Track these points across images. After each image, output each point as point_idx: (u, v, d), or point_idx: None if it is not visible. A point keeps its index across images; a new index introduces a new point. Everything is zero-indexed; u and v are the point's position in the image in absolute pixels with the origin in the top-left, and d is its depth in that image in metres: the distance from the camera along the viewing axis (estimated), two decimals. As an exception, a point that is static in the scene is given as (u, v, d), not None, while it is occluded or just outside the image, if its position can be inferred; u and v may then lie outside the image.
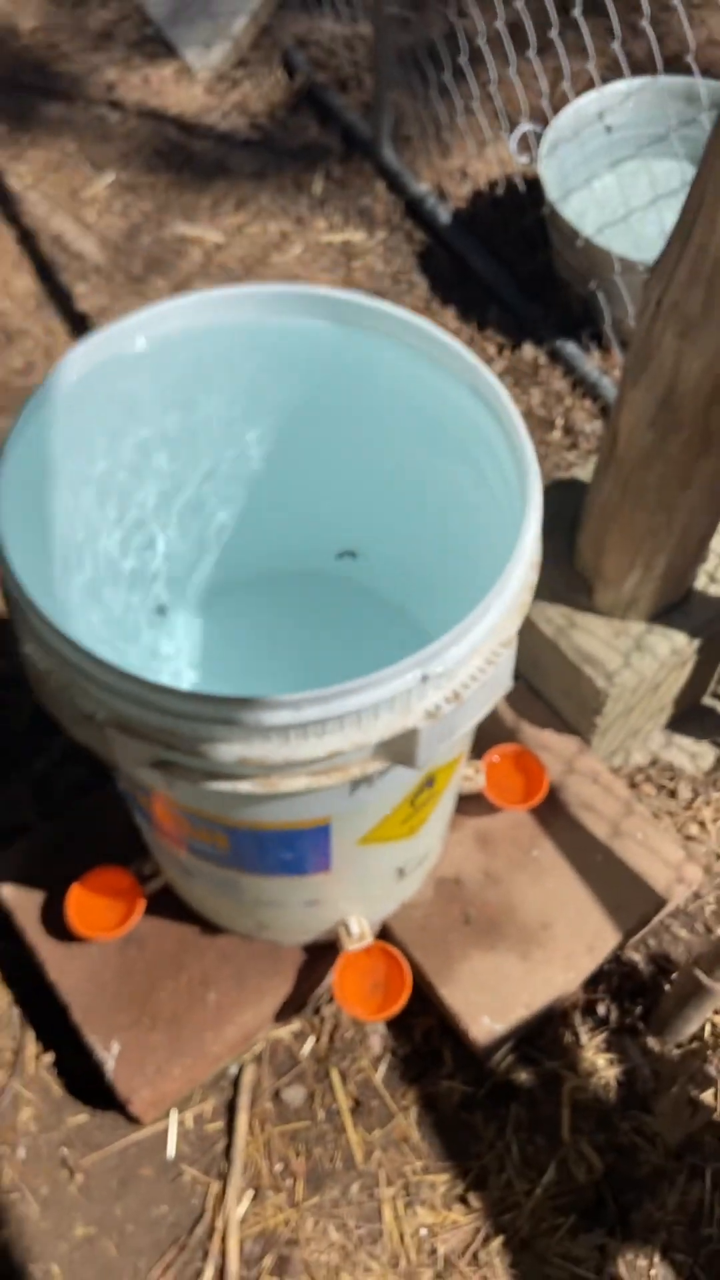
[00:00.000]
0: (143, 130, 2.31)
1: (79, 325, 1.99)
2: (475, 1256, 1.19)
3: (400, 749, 0.82)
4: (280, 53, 2.43)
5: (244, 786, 0.82)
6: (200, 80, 2.39)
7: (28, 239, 2.11)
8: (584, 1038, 1.29)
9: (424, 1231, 1.20)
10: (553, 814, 1.35)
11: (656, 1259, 1.18)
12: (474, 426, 0.97)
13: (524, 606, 0.85)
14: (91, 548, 1.08)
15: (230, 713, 0.75)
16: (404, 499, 1.15)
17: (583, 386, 1.95)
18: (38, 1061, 1.29)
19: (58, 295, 2.03)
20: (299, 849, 0.98)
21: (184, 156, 2.26)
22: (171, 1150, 1.24)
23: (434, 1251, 1.19)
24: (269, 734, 0.77)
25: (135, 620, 1.20)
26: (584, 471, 1.56)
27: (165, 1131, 1.25)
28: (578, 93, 1.98)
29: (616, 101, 1.95)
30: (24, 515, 0.90)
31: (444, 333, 0.94)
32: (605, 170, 2.03)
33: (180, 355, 1.00)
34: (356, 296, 0.97)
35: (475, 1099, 1.26)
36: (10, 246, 2.10)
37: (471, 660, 0.82)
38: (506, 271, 2.07)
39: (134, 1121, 1.24)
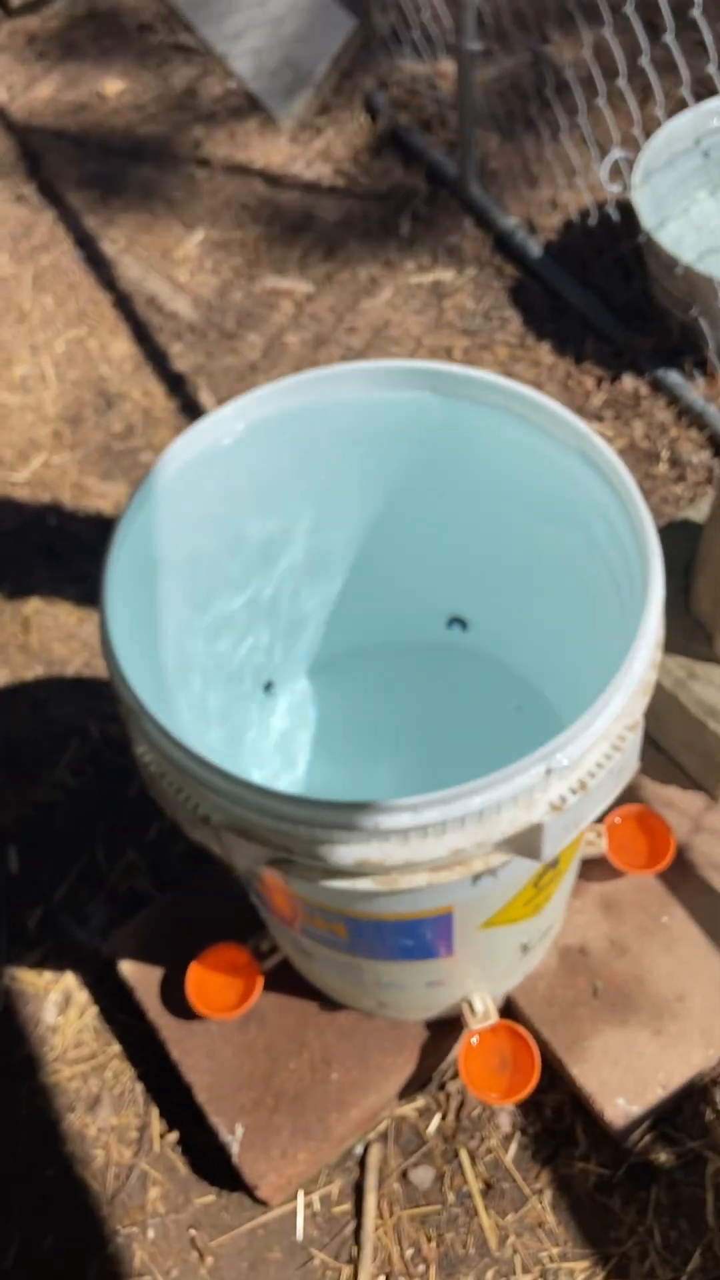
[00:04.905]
0: (230, 186, 2.33)
1: (175, 385, 2.01)
2: None
3: (524, 842, 0.78)
4: (362, 96, 2.44)
5: (363, 884, 0.80)
6: (284, 130, 2.41)
7: (123, 302, 2.15)
8: (726, 1116, 1.22)
9: (564, 1323, 1.15)
10: (681, 876, 1.29)
11: None
12: (586, 493, 0.93)
13: (649, 686, 0.81)
14: (199, 631, 1.07)
15: (348, 818, 0.73)
16: (514, 565, 1.11)
17: (688, 416, 1.89)
18: (163, 1140, 1.28)
19: (154, 357, 2.06)
20: (420, 936, 0.95)
21: (271, 209, 2.28)
22: (300, 1233, 1.21)
23: (576, 1345, 1.14)
24: (388, 836, 0.74)
25: (246, 698, 1.19)
26: (696, 511, 1.50)
27: (293, 1213, 1.22)
28: (669, 114, 1.92)
29: (710, 121, 1.89)
30: (131, 610, 0.89)
31: (550, 400, 0.91)
32: (703, 194, 1.97)
33: (281, 436, 0.99)
34: (459, 369, 0.94)
35: (612, 1181, 1.21)
36: (107, 311, 2.14)
37: (597, 748, 0.78)
38: (602, 302, 2.02)
39: (261, 1203, 1.22)
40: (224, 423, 0.95)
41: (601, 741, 0.78)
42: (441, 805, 0.73)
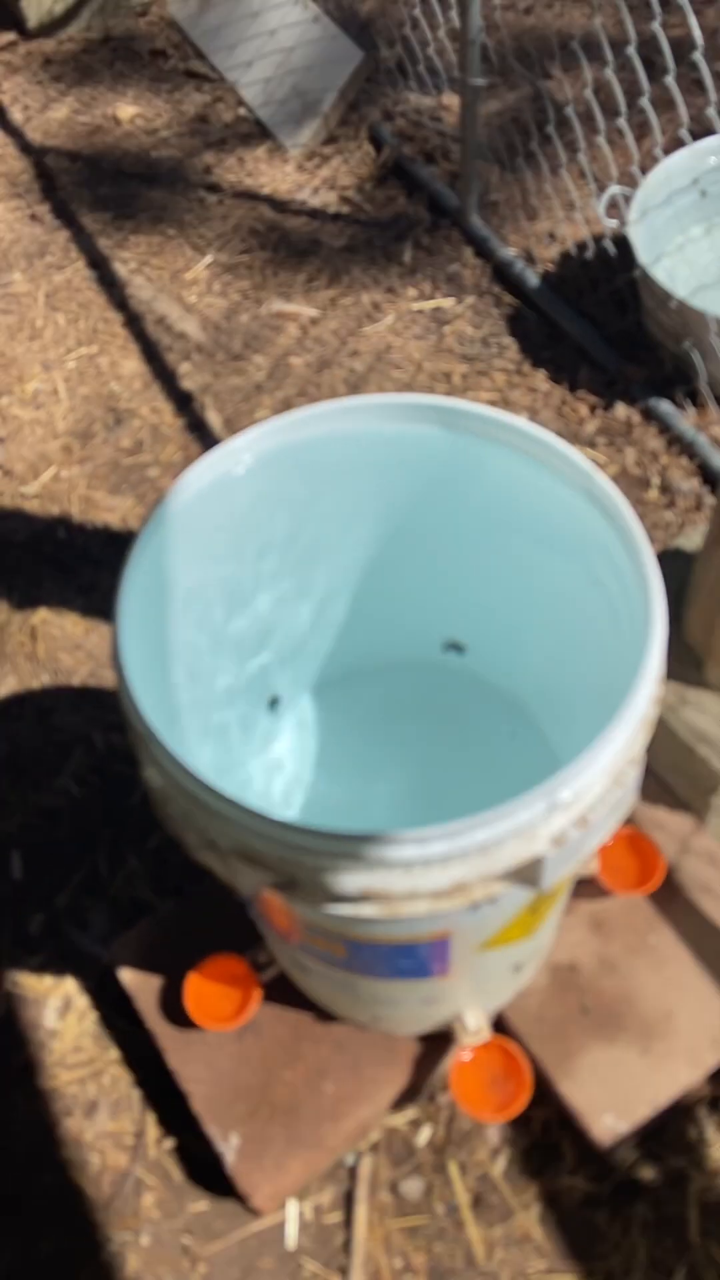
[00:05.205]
0: (238, 211, 2.38)
1: (183, 404, 2.05)
2: None
3: (525, 874, 0.82)
4: (367, 127, 2.49)
5: (365, 910, 0.83)
6: (292, 158, 2.46)
7: (134, 322, 2.19)
8: (710, 1134, 1.26)
9: (548, 1333, 1.18)
10: (669, 897, 1.33)
11: None
12: (588, 530, 0.97)
13: (651, 723, 0.85)
14: (207, 651, 1.11)
15: (355, 848, 0.76)
16: (513, 594, 1.15)
17: (678, 444, 1.93)
18: (159, 1146, 1.31)
19: (163, 375, 2.10)
20: (418, 957, 0.98)
21: (278, 234, 2.33)
22: (291, 1242, 1.24)
23: None
24: (393, 866, 0.78)
25: (250, 715, 1.22)
26: (687, 540, 1.54)
27: (285, 1222, 1.25)
28: (667, 151, 1.97)
29: (707, 159, 1.94)
30: (143, 634, 0.93)
31: (557, 439, 0.95)
32: (697, 231, 2.02)
33: (292, 466, 1.03)
34: (468, 405, 0.98)
35: (598, 1197, 1.24)
36: (118, 330, 2.18)
37: (599, 783, 0.81)
38: (597, 332, 2.07)
39: (253, 1212, 1.25)
40: (236, 453, 0.99)
41: (603, 776, 0.82)
42: (446, 839, 0.76)
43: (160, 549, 0.97)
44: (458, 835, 0.75)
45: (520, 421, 0.98)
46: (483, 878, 0.78)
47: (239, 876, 0.82)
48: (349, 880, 0.77)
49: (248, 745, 1.25)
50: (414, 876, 0.77)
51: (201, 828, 0.82)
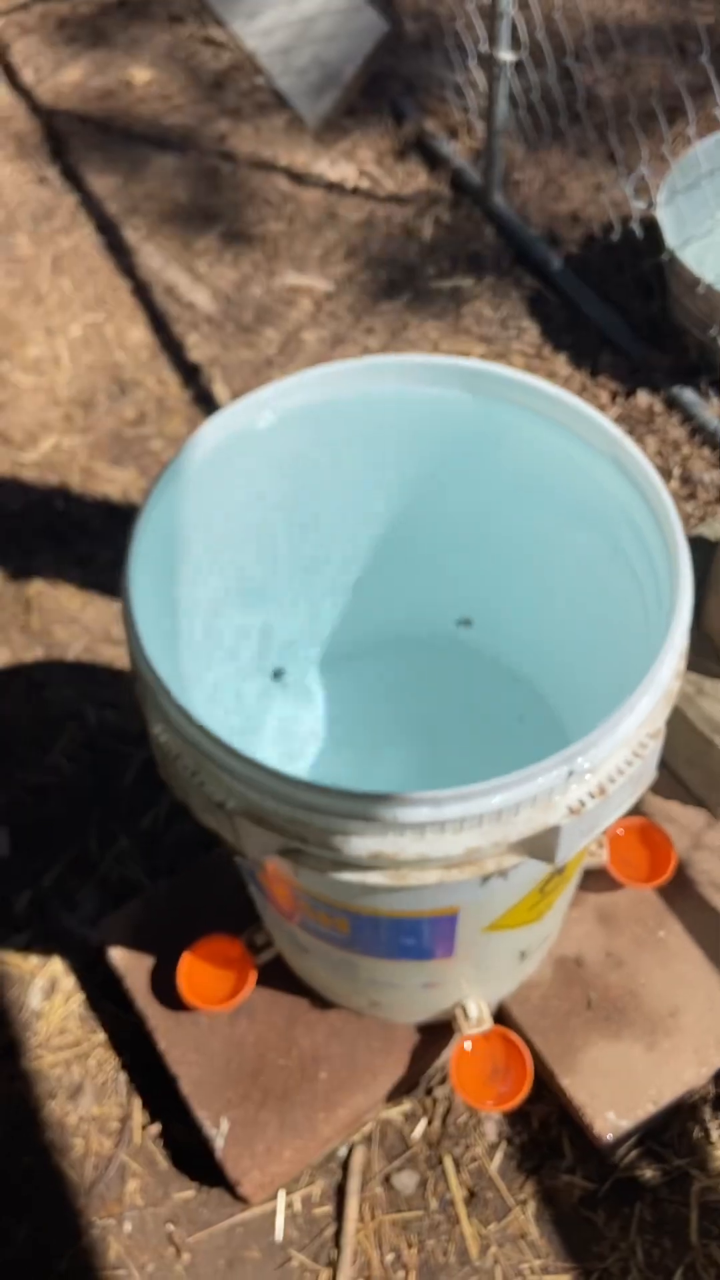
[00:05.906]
0: (253, 180, 2.33)
1: (190, 376, 2.01)
2: None
3: (540, 845, 0.78)
4: (389, 101, 2.44)
5: (373, 878, 0.79)
6: (310, 129, 2.41)
7: (142, 290, 2.14)
8: (714, 1134, 1.21)
9: (542, 1336, 1.14)
10: (679, 892, 1.29)
11: None
12: (614, 499, 0.92)
13: (673, 695, 0.80)
14: (214, 615, 1.06)
15: (367, 808, 0.72)
16: (532, 568, 1.11)
17: (701, 435, 1.89)
18: (144, 1131, 1.27)
19: (170, 346, 2.05)
20: (423, 936, 0.94)
21: (293, 206, 2.28)
22: (279, 1233, 1.20)
23: None
24: (405, 830, 0.74)
25: (255, 685, 1.18)
26: (709, 529, 1.50)
27: (273, 1213, 1.21)
28: (700, 134, 1.93)
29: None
30: (153, 589, 0.88)
31: (586, 405, 0.91)
32: (727, 213, 1.97)
33: (309, 427, 0.98)
34: (493, 367, 0.94)
35: (597, 1196, 1.20)
36: (125, 298, 2.13)
37: (619, 753, 0.77)
38: (620, 317, 2.02)
39: (241, 1200, 1.21)
40: (257, 407, 0.94)
41: (623, 747, 0.78)
42: (462, 801, 0.72)
43: (175, 499, 0.92)
44: (473, 798, 0.70)
45: (547, 385, 0.93)
46: (496, 846, 0.74)
47: (246, 840, 0.77)
48: (359, 843, 0.73)
49: (253, 718, 1.21)
50: (426, 841, 0.73)
51: (209, 787, 0.77)
